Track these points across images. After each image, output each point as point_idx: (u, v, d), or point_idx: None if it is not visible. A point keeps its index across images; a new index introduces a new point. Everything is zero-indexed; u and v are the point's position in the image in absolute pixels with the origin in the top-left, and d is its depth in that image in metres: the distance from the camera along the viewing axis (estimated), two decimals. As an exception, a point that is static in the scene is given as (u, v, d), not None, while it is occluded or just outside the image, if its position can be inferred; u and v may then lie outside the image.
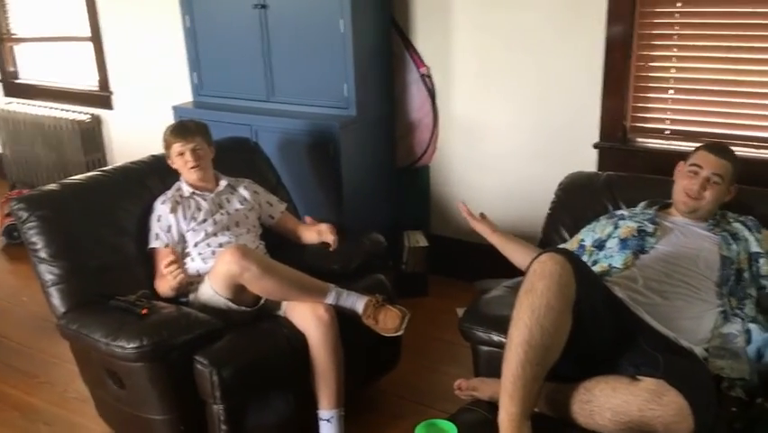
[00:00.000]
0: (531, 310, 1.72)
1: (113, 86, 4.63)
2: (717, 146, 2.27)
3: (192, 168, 2.54)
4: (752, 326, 2.02)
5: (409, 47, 3.40)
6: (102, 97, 4.67)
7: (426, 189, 3.59)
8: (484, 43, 3.20)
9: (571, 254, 1.86)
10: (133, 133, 4.55)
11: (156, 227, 2.48)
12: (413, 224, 3.58)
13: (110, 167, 2.72)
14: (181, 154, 2.54)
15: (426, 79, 3.40)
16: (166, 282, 2.29)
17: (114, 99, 4.65)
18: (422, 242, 3.43)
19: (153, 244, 2.46)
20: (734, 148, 2.30)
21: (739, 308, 2.06)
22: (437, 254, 3.44)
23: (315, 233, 2.68)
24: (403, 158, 3.60)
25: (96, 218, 2.46)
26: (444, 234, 3.57)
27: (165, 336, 2.08)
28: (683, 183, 2.24)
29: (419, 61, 3.39)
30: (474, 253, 3.38)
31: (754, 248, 2.14)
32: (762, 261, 2.12)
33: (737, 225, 2.20)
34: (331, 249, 2.61)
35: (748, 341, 1.98)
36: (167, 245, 2.44)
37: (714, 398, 1.76)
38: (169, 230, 2.47)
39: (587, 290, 1.80)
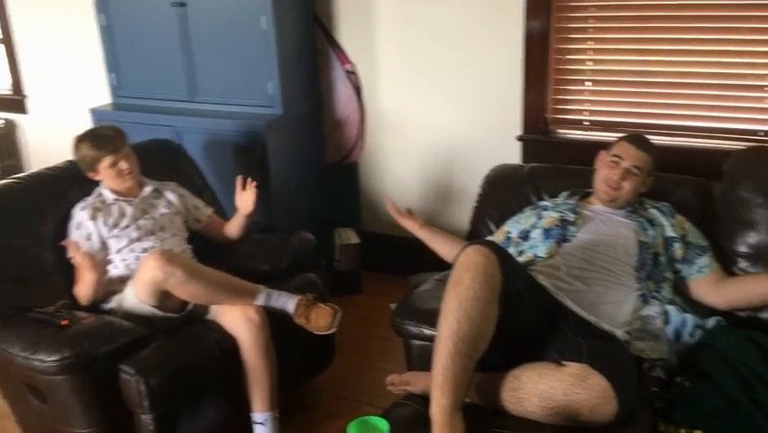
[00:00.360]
0: (459, 302, 1.74)
1: (26, 89, 4.44)
2: (639, 139, 2.35)
3: (128, 175, 2.45)
4: (669, 307, 2.11)
5: (333, 43, 3.39)
6: (15, 101, 4.48)
7: (356, 186, 3.59)
8: (408, 38, 3.22)
9: (496, 246, 1.90)
10: (50, 138, 4.38)
11: (76, 235, 2.39)
12: (344, 221, 3.57)
13: (25, 174, 2.61)
14: (114, 164, 2.44)
15: (352, 75, 3.40)
16: (83, 286, 2.20)
17: (29, 103, 4.46)
18: (353, 239, 3.43)
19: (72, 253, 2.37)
20: (648, 136, 2.39)
21: (657, 290, 2.14)
22: (369, 251, 3.45)
23: (238, 215, 2.65)
24: (331, 155, 3.59)
25: (11, 228, 2.35)
26: (376, 230, 3.58)
27: (87, 346, 2.01)
28: (604, 173, 2.31)
29: (344, 57, 3.39)
30: (407, 247, 3.39)
31: (669, 233, 2.23)
32: (676, 245, 2.21)
33: (653, 212, 2.29)
34: (249, 211, 2.62)
35: (666, 322, 2.07)
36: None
37: (635, 379, 1.83)
38: (89, 238, 2.39)
39: (512, 279, 1.83)
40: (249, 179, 2.64)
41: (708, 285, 2.20)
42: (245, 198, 2.63)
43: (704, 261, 2.21)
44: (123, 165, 2.44)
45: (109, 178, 2.46)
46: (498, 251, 1.85)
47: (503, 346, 1.83)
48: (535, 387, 1.74)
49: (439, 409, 1.70)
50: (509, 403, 1.79)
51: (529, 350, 1.88)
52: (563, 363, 1.77)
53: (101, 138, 2.46)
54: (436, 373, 1.73)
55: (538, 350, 1.88)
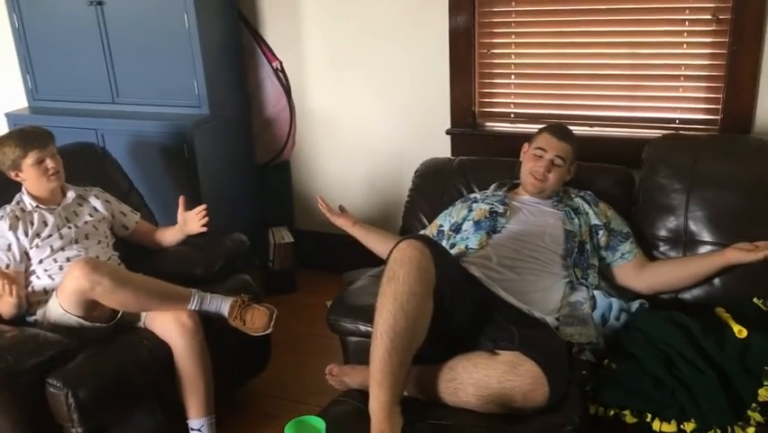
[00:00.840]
0: (394, 297, 1.75)
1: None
2: (559, 129, 2.41)
3: (53, 175, 2.36)
4: (596, 292, 2.18)
5: (259, 41, 3.35)
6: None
7: (288, 185, 3.57)
8: (335, 33, 3.21)
9: (429, 240, 1.92)
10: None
11: None
12: (277, 220, 3.55)
13: (-64, 183, 2.48)
14: (40, 162, 2.34)
15: (280, 73, 3.37)
16: (5, 302, 2.13)
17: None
18: (287, 238, 3.41)
19: None
20: (571, 127, 2.46)
21: (584, 277, 2.21)
22: (304, 249, 3.44)
23: (178, 230, 2.56)
24: (262, 154, 3.55)
25: (-77, 241, 2.24)
26: (310, 228, 3.56)
27: (11, 361, 1.93)
28: (529, 165, 2.36)
29: (271, 55, 3.35)
30: (341, 245, 3.39)
31: (594, 221, 2.30)
32: (600, 232, 2.29)
33: (578, 200, 2.36)
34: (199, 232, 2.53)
35: (593, 307, 2.14)
36: (7, 266, 2.26)
37: (566, 365, 1.89)
38: (9, 249, 2.29)
39: (445, 272, 1.86)
40: (202, 206, 2.52)
41: (630, 270, 2.28)
42: (194, 222, 2.52)
43: (626, 247, 2.29)
44: (50, 163, 2.35)
45: (33, 178, 2.36)
46: (432, 244, 1.88)
47: (439, 339, 1.85)
48: (470, 376, 1.77)
49: (378, 405, 1.71)
50: (446, 394, 1.81)
51: (463, 340, 1.92)
52: (497, 351, 1.81)
53: (27, 134, 2.37)
54: (374, 369, 1.74)
55: (472, 340, 1.91)
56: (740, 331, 1.93)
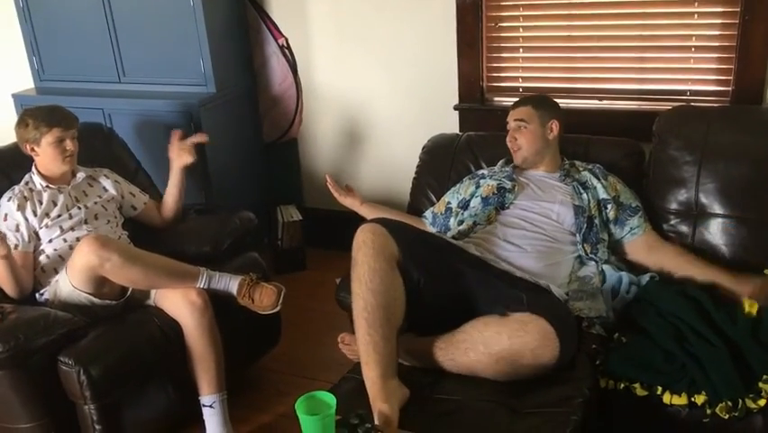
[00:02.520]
0: (359, 281, 1.83)
1: (-57, 76, 4.22)
2: (516, 101, 2.45)
3: (68, 157, 2.37)
4: (605, 267, 2.18)
5: (265, 18, 3.32)
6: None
7: (296, 163, 3.56)
8: (341, 9, 3.18)
9: (385, 221, 1.97)
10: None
11: (3, 227, 2.29)
12: (285, 198, 3.54)
13: (-55, 165, 2.49)
14: (60, 141, 2.34)
15: (286, 50, 3.34)
16: (1, 271, 2.16)
17: (-53, 90, 4.24)
18: (296, 216, 3.41)
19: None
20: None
21: (593, 252, 2.20)
22: (312, 227, 3.43)
23: (173, 172, 2.60)
24: (270, 132, 3.54)
25: (-67, 222, 2.25)
26: (318, 205, 3.55)
27: (22, 339, 1.94)
28: (507, 144, 2.39)
29: (276, 32, 3.33)
30: (349, 222, 3.37)
31: (602, 195, 2.28)
32: (609, 206, 2.27)
33: (586, 174, 2.34)
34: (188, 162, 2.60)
35: (603, 281, 2.13)
36: (16, 246, 2.27)
37: (575, 327, 1.91)
38: (17, 229, 2.29)
39: (407, 244, 1.92)
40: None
41: (640, 247, 2.26)
42: (184, 151, 2.58)
43: (635, 222, 2.27)
44: (69, 145, 2.36)
45: (49, 156, 2.36)
46: (386, 223, 1.94)
47: (430, 311, 1.91)
48: (481, 334, 1.79)
49: (369, 383, 1.74)
50: (457, 356, 1.82)
51: (462, 311, 1.93)
52: (508, 313, 1.83)
53: (54, 112, 2.38)
54: (360, 351, 1.80)
55: (472, 309, 1.92)
56: (751, 306, 1.92)
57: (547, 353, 1.74)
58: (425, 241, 2.06)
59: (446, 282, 1.96)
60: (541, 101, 2.40)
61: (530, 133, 2.33)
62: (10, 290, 2.21)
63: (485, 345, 1.78)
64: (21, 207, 2.30)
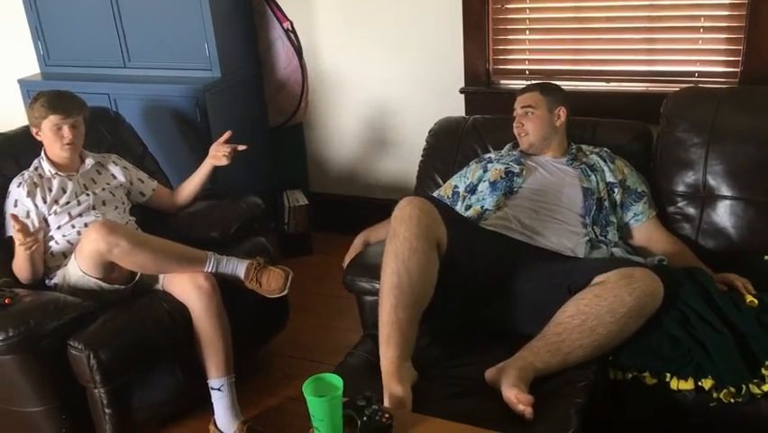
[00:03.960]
0: (395, 255, 1.78)
1: (-51, 61, 4.22)
2: (524, 87, 2.45)
3: (67, 144, 2.36)
4: (615, 250, 2.17)
5: (270, 1, 3.30)
6: (-62, 75, 4.25)
7: (302, 147, 3.55)
8: (345, -7, 3.17)
9: (431, 197, 1.93)
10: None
11: (12, 212, 2.29)
12: (291, 183, 3.54)
13: (-47, 150, 2.50)
14: (58, 128, 2.35)
15: (291, 34, 3.33)
16: (18, 260, 2.17)
17: (-47, 76, 4.25)
18: (302, 200, 3.41)
19: (11, 231, 2.28)
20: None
21: (603, 234, 2.19)
22: (318, 211, 3.44)
23: (206, 163, 2.61)
24: (275, 117, 3.53)
25: (-58, 207, 2.26)
26: (324, 190, 3.56)
27: (32, 324, 1.96)
28: (514, 130, 2.38)
29: (281, 16, 3.31)
30: (355, 206, 3.40)
31: (609, 178, 2.28)
32: (616, 190, 2.26)
33: (593, 157, 2.33)
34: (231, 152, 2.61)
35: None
36: None
37: None
38: (27, 215, 2.30)
39: (454, 225, 1.90)
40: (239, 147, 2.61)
41: (643, 234, 2.26)
42: (221, 150, 2.59)
43: (639, 207, 2.26)
44: (66, 132, 2.36)
45: (49, 141, 2.37)
46: (434, 201, 1.90)
47: (466, 294, 1.89)
48: (601, 306, 1.74)
49: (387, 361, 1.72)
50: (583, 339, 1.74)
51: (500, 293, 1.94)
52: (596, 280, 1.81)
53: (58, 98, 2.38)
54: (382, 327, 1.76)
55: (513, 291, 1.94)
56: (751, 302, 1.91)
57: (659, 293, 1.79)
58: (469, 225, 2.05)
59: (481, 267, 1.96)
60: (548, 87, 2.40)
61: (537, 118, 2.32)
62: (24, 276, 2.23)
63: (611, 313, 1.73)
64: (31, 194, 2.31)
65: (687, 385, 1.76)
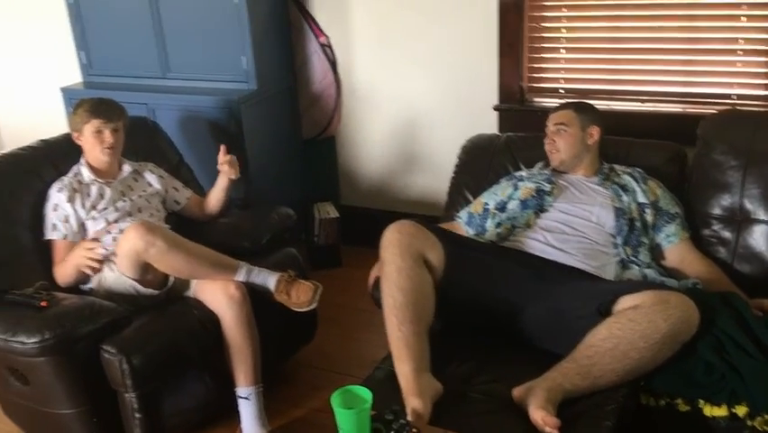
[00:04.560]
0: (387, 279, 1.87)
1: (-5, 69, 4.35)
2: (557, 105, 2.45)
3: (107, 148, 2.42)
4: (647, 271, 2.14)
5: (307, 17, 3.35)
6: (-16, 82, 4.38)
7: (334, 160, 3.58)
8: (382, 9, 3.19)
9: (412, 222, 1.99)
10: (22, 119, 4.30)
11: (53, 217, 2.36)
12: (322, 195, 3.57)
13: (-3, 155, 2.57)
14: (99, 132, 2.41)
15: (327, 49, 3.37)
16: (71, 268, 2.25)
17: (-1, 83, 4.37)
18: (332, 213, 3.43)
19: (51, 235, 2.35)
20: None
21: (634, 255, 2.17)
22: (348, 224, 3.45)
23: (220, 179, 2.63)
24: (308, 130, 3.57)
25: (-15, 210, 2.32)
26: (354, 203, 3.58)
27: (68, 327, 2.00)
28: (545, 147, 2.38)
29: (318, 31, 3.35)
30: (385, 220, 3.38)
31: (641, 199, 2.26)
32: (648, 211, 2.24)
33: (626, 177, 2.31)
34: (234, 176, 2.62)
35: (645, 287, 2.10)
36: (65, 236, 2.34)
37: None
38: (66, 220, 2.36)
39: (451, 245, 1.97)
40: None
41: (675, 255, 2.23)
42: (224, 164, 2.61)
43: (671, 229, 2.24)
44: (107, 137, 2.41)
45: (89, 145, 2.43)
46: (416, 223, 1.98)
47: (471, 310, 1.92)
48: (635, 331, 1.72)
49: (402, 377, 1.75)
50: (614, 364, 1.72)
51: (508, 314, 1.92)
52: (622, 301, 1.80)
53: (105, 104, 2.46)
54: (392, 348, 1.82)
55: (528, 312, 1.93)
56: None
57: (695, 320, 1.76)
58: (465, 243, 2.07)
59: (489, 283, 1.97)
60: (583, 106, 2.40)
61: (569, 136, 2.32)
62: (67, 282, 2.30)
63: (645, 338, 1.71)
64: (71, 199, 2.37)
65: (721, 412, 1.73)
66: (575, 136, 2.32)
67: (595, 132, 2.34)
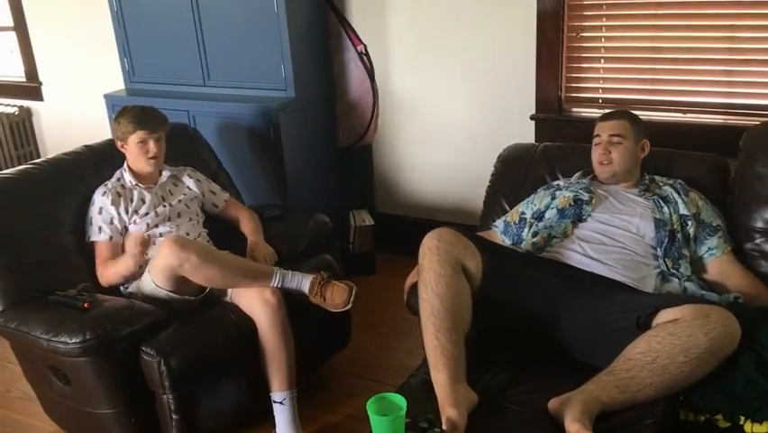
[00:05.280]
0: (425, 286, 1.87)
1: (42, 76, 4.47)
2: (609, 112, 2.40)
3: (151, 158, 2.48)
4: (688, 284, 2.11)
5: (345, 25, 3.38)
6: (31, 88, 4.51)
7: (370, 168, 3.60)
8: (420, 18, 3.20)
9: (451, 229, 1.99)
10: (66, 125, 4.41)
11: (98, 220, 2.41)
12: (358, 203, 3.58)
13: (42, 159, 2.64)
14: (143, 142, 2.46)
15: (364, 57, 3.39)
16: (121, 268, 2.31)
17: (44, 90, 4.49)
18: (368, 220, 3.44)
19: (96, 237, 2.41)
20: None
21: (675, 268, 2.13)
22: (383, 232, 3.46)
23: (251, 246, 2.54)
24: (345, 137, 3.59)
25: (31, 213, 2.38)
26: (390, 211, 3.59)
27: (109, 328, 2.04)
28: (595, 156, 2.33)
29: (356, 39, 3.38)
30: (420, 229, 3.38)
31: (683, 210, 2.22)
32: (689, 223, 2.20)
33: (667, 189, 2.28)
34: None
35: (686, 300, 2.06)
36: (110, 238, 2.39)
37: None
38: (111, 222, 2.42)
39: (485, 248, 1.98)
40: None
41: (716, 268, 2.19)
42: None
43: (714, 242, 2.20)
44: (151, 146, 2.47)
45: (134, 154, 2.49)
46: (456, 231, 1.97)
47: (510, 321, 1.91)
48: (674, 345, 1.69)
49: (438, 386, 1.75)
50: (653, 378, 1.69)
51: (546, 323, 1.92)
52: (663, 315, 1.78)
53: (149, 114, 2.50)
54: (428, 355, 1.81)
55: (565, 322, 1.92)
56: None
57: (736, 335, 1.73)
58: (503, 252, 2.07)
59: (527, 292, 1.96)
60: (636, 117, 2.34)
61: (626, 149, 2.27)
62: (115, 282, 2.36)
63: (685, 352, 1.68)
64: (114, 203, 2.43)
65: (762, 429, 1.69)
66: (630, 149, 2.27)
67: (647, 145, 2.31)
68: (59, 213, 2.44)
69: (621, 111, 2.38)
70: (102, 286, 2.36)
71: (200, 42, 3.31)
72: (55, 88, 4.46)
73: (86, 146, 2.70)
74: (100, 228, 2.41)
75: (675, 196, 2.25)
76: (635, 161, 2.30)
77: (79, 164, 2.59)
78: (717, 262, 2.19)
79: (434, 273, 1.86)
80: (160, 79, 3.50)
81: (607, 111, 2.45)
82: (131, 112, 2.50)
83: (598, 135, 2.32)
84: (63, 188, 2.49)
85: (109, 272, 2.36)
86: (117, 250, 2.40)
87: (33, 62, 4.45)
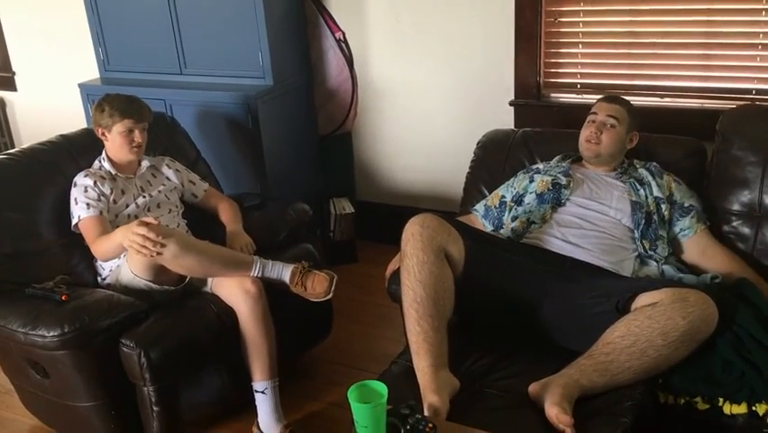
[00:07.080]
0: (408, 272, 1.86)
1: (14, 65, 4.39)
2: (612, 96, 2.40)
3: (135, 148, 2.44)
4: (665, 267, 2.13)
5: (323, 12, 3.35)
6: (4, 78, 4.42)
7: (350, 156, 3.58)
8: (398, 4, 3.19)
9: (434, 215, 1.98)
10: (40, 114, 4.34)
11: (84, 198, 2.34)
12: (338, 191, 3.57)
13: (16, 149, 2.59)
14: (130, 132, 2.42)
15: (342, 44, 3.37)
16: (117, 248, 2.21)
17: (18, 80, 4.41)
18: (348, 208, 3.43)
19: (85, 213, 2.33)
20: (638, 98, 2.40)
21: (652, 249, 2.16)
22: (364, 220, 3.46)
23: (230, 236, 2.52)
24: (325, 125, 3.58)
25: (5, 204, 2.34)
26: (370, 199, 3.58)
27: (87, 321, 2.02)
28: (585, 133, 2.33)
29: (334, 26, 3.36)
30: (401, 216, 3.38)
31: (656, 192, 2.24)
32: (663, 206, 2.22)
33: (642, 171, 2.30)
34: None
35: (663, 282, 2.09)
36: (101, 212, 2.34)
37: None
38: (99, 198, 2.36)
39: (471, 240, 1.97)
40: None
41: (692, 249, 2.21)
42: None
43: (686, 223, 2.22)
44: (137, 136, 2.43)
45: (117, 144, 2.44)
46: (438, 217, 1.96)
47: (490, 306, 1.92)
48: (653, 328, 1.71)
49: (420, 372, 1.75)
50: (632, 361, 1.71)
51: (527, 310, 1.92)
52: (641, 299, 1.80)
53: (129, 103, 2.45)
54: (410, 342, 1.81)
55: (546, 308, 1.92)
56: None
57: (713, 318, 1.75)
58: (485, 239, 2.06)
59: (508, 279, 1.96)
60: (634, 108, 2.35)
61: (616, 134, 2.28)
62: (108, 258, 2.31)
63: (663, 335, 1.70)
64: (98, 184, 2.38)
65: (740, 410, 1.72)
66: (620, 136, 2.29)
67: (635, 137, 2.33)
68: (35, 203, 2.40)
69: (623, 99, 2.38)
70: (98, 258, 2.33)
71: (176, 30, 3.27)
72: (29, 78, 4.38)
73: (61, 135, 2.66)
74: (88, 204, 2.33)
75: (650, 178, 2.27)
76: (621, 150, 2.31)
77: (56, 154, 2.54)
78: (692, 241, 2.21)
79: (417, 260, 1.86)
80: (135, 68, 3.46)
81: (607, 95, 2.45)
82: (116, 100, 2.44)
83: (594, 113, 2.32)
84: (39, 178, 2.45)
85: (102, 248, 2.28)
86: (107, 226, 2.33)
87: (6, 52, 4.37)
